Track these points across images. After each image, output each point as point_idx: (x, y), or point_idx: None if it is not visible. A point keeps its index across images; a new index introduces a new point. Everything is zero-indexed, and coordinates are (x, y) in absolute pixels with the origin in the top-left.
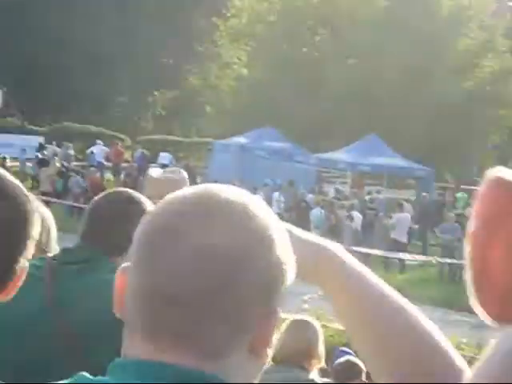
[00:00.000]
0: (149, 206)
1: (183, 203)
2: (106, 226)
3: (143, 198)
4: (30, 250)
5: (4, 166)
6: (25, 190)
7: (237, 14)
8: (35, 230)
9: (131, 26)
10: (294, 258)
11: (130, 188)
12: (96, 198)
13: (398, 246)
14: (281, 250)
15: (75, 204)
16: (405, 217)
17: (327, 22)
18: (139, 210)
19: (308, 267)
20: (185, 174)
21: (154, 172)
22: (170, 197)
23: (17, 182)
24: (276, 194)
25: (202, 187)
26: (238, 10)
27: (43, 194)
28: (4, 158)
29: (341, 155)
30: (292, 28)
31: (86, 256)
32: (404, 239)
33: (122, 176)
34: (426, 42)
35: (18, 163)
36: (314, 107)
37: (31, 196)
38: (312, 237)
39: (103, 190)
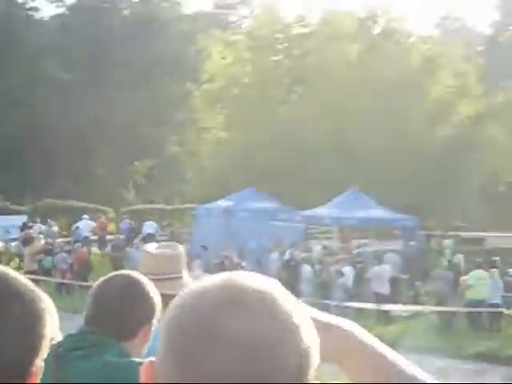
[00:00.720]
0: (151, 287)
1: (207, 297)
2: (110, 311)
3: (145, 280)
4: (45, 349)
5: None
6: (32, 286)
7: (211, 78)
8: (48, 328)
9: (106, 96)
10: (318, 341)
11: (118, 260)
12: (98, 282)
13: (383, 298)
14: (307, 334)
15: (64, 281)
16: (383, 269)
17: (301, 80)
18: (142, 294)
19: (327, 348)
20: (181, 249)
21: (150, 247)
22: (192, 289)
23: (24, 278)
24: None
25: (223, 277)
26: (211, 74)
27: (29, 272)
28: None
29: (325, 211)
30: (267, 88)
31: (92, 341)
32: (386, 291)
33: (109, 248)
34: (400, 92)
35: (2, 244)
36: (295, 164)
37: (39, 291)
38: (328, 317)
39: (90, 265)
